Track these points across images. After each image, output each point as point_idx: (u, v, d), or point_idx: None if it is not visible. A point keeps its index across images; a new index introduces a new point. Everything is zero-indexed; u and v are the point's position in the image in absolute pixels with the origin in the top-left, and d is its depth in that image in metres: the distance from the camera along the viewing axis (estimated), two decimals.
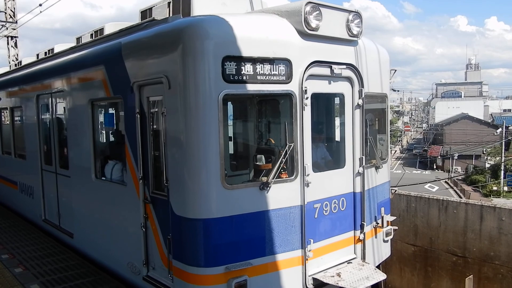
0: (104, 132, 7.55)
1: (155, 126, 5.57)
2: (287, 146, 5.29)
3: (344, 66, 5.86)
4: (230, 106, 6.39)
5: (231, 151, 6.63)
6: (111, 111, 7.33)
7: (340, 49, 5.87)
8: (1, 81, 11.96)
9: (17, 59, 21.42)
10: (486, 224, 8.59)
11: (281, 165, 5.24)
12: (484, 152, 58.16)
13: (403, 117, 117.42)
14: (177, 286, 5.21)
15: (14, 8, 23.38)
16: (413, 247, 9.63)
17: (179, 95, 4.97)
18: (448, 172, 55.95)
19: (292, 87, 5.32)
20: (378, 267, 6.53)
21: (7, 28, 23.20)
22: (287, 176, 5.36)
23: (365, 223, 6.15)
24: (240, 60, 4.93)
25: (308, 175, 5.44)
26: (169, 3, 6.78)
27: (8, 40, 23.59)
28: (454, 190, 46.46)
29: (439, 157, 65.50)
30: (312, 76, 5.54)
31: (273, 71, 5.18)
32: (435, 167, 65.35)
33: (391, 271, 9.79)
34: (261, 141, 6.22)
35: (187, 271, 5.03)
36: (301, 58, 5.38)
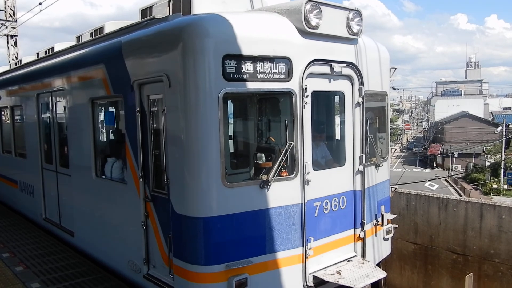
0: (104, 130, 7.55)
1: (155, 125, 5.58)
2: (287, 144, 5.30)
3: (344, 65, 5.86)
4: (230, 104, 6.41)
5: (231, 149, 6.64)
6: (111, 109, 7.33)
7: (340, 48, 5.87)
8: (1, 80, 11.97)
9: (17, 58, 21.43)
10: (486, 222, 8.61)
11: (281, 163, 5.24)
12: (484, 150, 58.18)
13: (403, 116, 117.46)
14: (177, 284, 5.22)
15: (14, 6, 23.36)
16: (413, 245, 9.65)
17: (180, 94, 4.98)
18: (448, 170, 55.95)
19: (292, 85, 5.32)
20: (378, 265, 6.54)
21: (6, 27, 23.19)
22: (287, 174, 5.37)
23: (365, 221, 6.16)
24: (240, 58, 4.94)
25: (308, 173, 5.45)
26: (169, 1, 6.77)
27: (8, 39, 23.58)
28: (454, 188, 46.47)
29: (439, 155, 65.49)
30: (312, 75, 5.54)
31: (273, 69, 5.18)
32: (435, 165, 65.37)
33: (391, 269, 9.81)
34: (261, 140, 6.22)
35: (187, 269, 5.04)
36: (301, 57, 5.38)
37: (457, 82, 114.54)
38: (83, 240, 7.72)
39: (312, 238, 5.53)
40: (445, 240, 9.20)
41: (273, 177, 5.15)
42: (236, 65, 4.92)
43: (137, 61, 5.78)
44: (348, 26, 5.84)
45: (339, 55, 5.84)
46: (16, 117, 10.86)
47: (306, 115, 5.47)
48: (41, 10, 16.92)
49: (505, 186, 42.41)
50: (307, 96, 5.44)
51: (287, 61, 5.27)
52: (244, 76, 4.98)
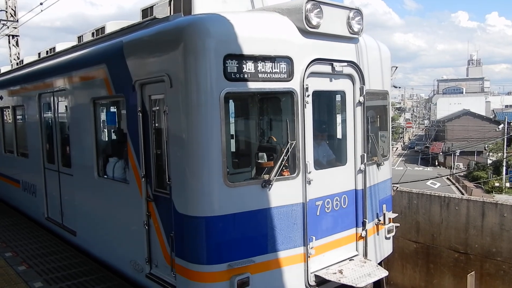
0: (106, 130, 7.57)
1: (157, 124, 5.59)
2: (289, 144, 5.30)
3: (345, 64, 5.86)
4: (232, 104, 6.42)
5: (233, 149, 6.66)
6: (113, 109, 7.34)
7: (341, 47, 5.88)
8: (3, 80, 12.00)
9: (18, 58, 21.46)
10: (488, 221, 8.61)
11: (283, 162, 5.25)
12: (486, 148, 58.05)
13: (404, 114, 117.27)
14: (179, 283, 5.24)
15: (15, 6, 23.39)
16: (415, 244, 9.66)
17: (181, 94, 4.99)
18: (450, 168, 55.86)
19: (294, 84, 5.32)
20: (380, 264, 6.55)
21: (8, 27, 23.22)
22: (289, 173, 5.38)
23: (366, 220, 6.17)
24: (241, 58, 4.94)
25: (309, 172, 5.46)
26: (170, 1, 6.78)
27: (9, 39, 23.62)
28: (456, 187, 46.40)
29: (441, 153, 65.36)
30: (314, 74, 5.54)
31: (275, 69, 5.19)
32: (437, 163, 65.25)
33: (393, 267, 9.82)
34: (263, 139, 6.23)
35: (189, 269, 5.06)
36: (302, 56, 5.39)
37: (459, 80, 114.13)
38: (85, 239, 7.74)
39: (314, 237, 5.53)
40: (447, 238, 9.20)
41: (274, 176, 5.16)
42: (237, 65, 4.93)
43: (138, 61, 5.80)
44: (349, 25, 5.84)
45: (340, 54, 5.85)
46: (18, 117, 10.89)
47: (308, 114, 5.48)
48: (42, 10, 16.94)
49: (507, 184, 42.32)
50: (308, 96, 5.44)
51: (288, 60, 5.28)
52: (245, 76, 4.99)
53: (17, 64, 13.77)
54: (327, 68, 5.70)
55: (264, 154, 5.48)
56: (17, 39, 23.91)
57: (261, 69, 5.09)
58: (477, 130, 61.49)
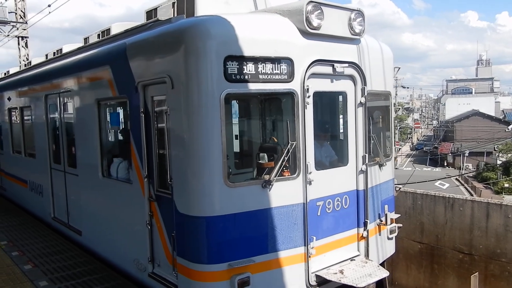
0: (110, 131, 7.66)
1: (159, 125, 5.66)
2: (289, 144, 5.34)
3: (347, 65, 5.87)
4: (235, 105, 6.47)
5: (236, 149, 6.70)
6: (117, 110, 7.43)
7: (343, 48, 5.89)
8: (11, 81, 12.18)
9: (27, 59, 21.74)
10: (492, 222, 8.57)
11: (283, 163, 5.28)
12: (496, 149, 57.46)
13: (413, 114, 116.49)
14: (181, 283, 5.29)
15: (24, 8, 23.69)
16: (419, 245, 9.63)
17: (182, 95, 5.05)
18: (459, 169, 55.38)
19: (294, 85, 5.35)
20: (382, 264, 6.56)
21: (17, 29, 23.52)
22: (289, 174, 5.41)
23: (368, 221, 6.17)
24: (242, 59, 4.99)
25: (310, 173, 5.48)
26: (173, 3, 6.85)
27: (18, 40, 23.93)
28: (465, 187, 45.97)
29: (450, 154, 64.83)
30: (314, 75, 5.57)
31: (275, 70, 5.22)
32: (445, 164, 64.73)
33: (398, 268, 9.80)
34: (264, 140, 6.27)
35: (190, 268, 5.11)
36: (303, 57, 5.42)
37: (468, 80, 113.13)
38: (90, 239, 7.84)
39: (315, 237, 5.56)
40: (451, 239, 9.17)
41: (275, 177, 5.20)
42: (237, 66, 4.98)
43: (141, 63, 5.87)
44: (350, 26, 5.85)
45: (341, 55, 5.86)
46: (26, 118, 11.04)
47: (308, 115, 5.50)
48: (50, 12, 17.13)
49: None
50: (309, 96, 5.46)
51: (289, 61, 5.31)
52: (246, 77, 5.03)
53: (25, 65, 13.96)
54: (328, 69, 5.73)
55: (265, 154, 5.51)
56: (26, 40, 24.20)
57: (261, 70, 5.12)
58: (486, 131, 60.89)
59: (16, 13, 23.28)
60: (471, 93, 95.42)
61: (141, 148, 5.84)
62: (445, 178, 43.81)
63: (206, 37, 4.94)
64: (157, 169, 5.72)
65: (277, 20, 5.48)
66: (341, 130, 6.49)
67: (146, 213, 5.87)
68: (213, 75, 4.91)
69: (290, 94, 5.37)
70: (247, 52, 5.02)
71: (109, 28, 8.31)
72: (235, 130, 6.43)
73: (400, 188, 7.88)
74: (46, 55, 11.28)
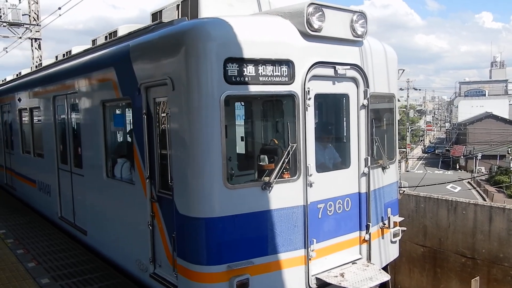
0: (114, 132, 7.74)
1: (161, 127, 5.70)
2: (290, 146, 5.33)
3: (348, 67, 5.85)
4: (241, 107, 6.49)
5: (239, 150, 6.72)
6: (120, 112, 7.51)
7: (345, 50, 5.87)
8: (21, 82, 12.38)
9: (40, 60, 22.09)
10: (495, 225, 8.51)
11: (284, 165, 5.28)
12: (509, 152, 56.53)
13: (425, 116, 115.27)
14: (181, 283, 5.31)
15: (37, 11, 24.07)
16: (422, 248, 9.57)
17: (183, 96, 5.08)
18: (472, 172, 54.63)
19: (295, 87, 5.35)
20: (385, 268, 6.50)
21: (31, 31, 23.91)
22: (290, 176, 5.40)
23: (370, 224, 6.12)
24: (242, 61, 5.00)
25: (311, 175, 5.46)
26: (178, 5, 6.91)
27: (32, 42, 24.33)
28: (477, 191, 45.34)
29: (462, 157, 64.00)
30: (316, 77, 5.55)
31: (276, 72, 5.22)
32: (458, 167, 63.94)
33: (400, 271, 9.73)
34: (265, 142, 6.27)
35: (190, 269, 5.13)
36: (303, 59, 5.40)
37: (481, 82, 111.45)
38: (95, 239, 7.93)
39: (315, 240, 5.53)
40: (454, 243, 9.12)
41: (275, 179, 5.19)
42: (238, 68, 4.99)
43: (143, 65, 5.92)
44: (352, 28, 5.83)
45: (343, 57, 5.84)
46: (35, 119, 11.22)
47: (309, 117, 5.48)
48: (60, 15, 17.39)
49: None
50: (309, 99, 5.45)
51: (289, 63, 5.30)
52: (246, 79, 5.04)
53: (36, 67, 14.20)
54: (329, 71, 5.70)
55: (266, 156, 5.51)
56: (39, 42, 24.60)
57: (262, 72, 5.13)
58: (499, 133, 59.99)
59: (29, 15, 23.67)
60: (485, 95, 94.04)
61: (143, 149, 5.89)
62: (457, 181, 43.27)
63: (206, 39, 4.96)
64: (159, 170, 5.76)
65: (278, 22, 5.49)
66: (344, 132, 6.45)
67: (148, 214, 5.91)
68: (213, 77, 4.93)
69: (291, 96, 5.37)
70: (247, 54, 5.03)
71: (116, 30, 8.42)
72: (239, 131, 6.44)
73: (404, 191, 7.81)
74: (56, 57, 11.45)
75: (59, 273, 7.10)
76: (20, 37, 24.06)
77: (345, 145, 6.24)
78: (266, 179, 5.24)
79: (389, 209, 6.52)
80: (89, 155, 7.85)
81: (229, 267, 4.97)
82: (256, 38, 5.20)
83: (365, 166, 6.09)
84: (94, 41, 9.38)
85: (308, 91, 5.42)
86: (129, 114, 6.58)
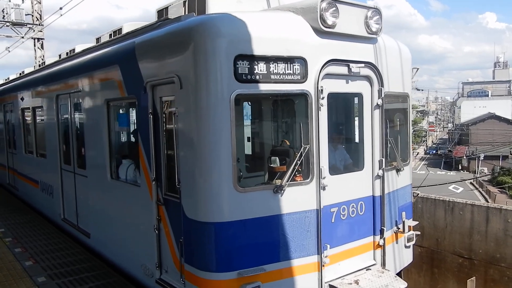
0: (119, 132, 7.53)
1: (167, 127, 5.48)
2: (302, 147, 5.10)
3: (363, 65, 5.62)
4: (247, 106, 6.27)
5: (247, 151, 6.50)
6: (125, 111, 7.30)
7: (359, 47, 5.64)
8: (24, 81, 12.21)
9: (43, 60, 21.95)
10: (492, 226, 8.51)
11: (296, 167, 5.05)
12: None
13: (428, 117, 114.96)
14: None
15: (40, 11, 23.95)
16: (419, 248, 9.52)
17: (191, 95, 4.86)
18: (474, 173, 54.38)
19: (307, 86, 5.12)
20: (399, 274, 6.27)
21: (33, 31, 23.79)
22: (302, 179, 5.18)
23: (385, 228, 5.89)
24: (253, 59, 4.78)
25: (324, 178, 5.24)
26: (184, 2, 6.69)
27: (34, 42, 24.22)
28: (479, 192, 45.10)
29: (465, 157, 63.78)
30: (329, 75, 5.33)
31: (288, 70, 5.00)
32: (460, 168, 63.69)
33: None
34: (276, 143, 6.05)
35: (198, 276, 4.91)
36: (316, 57, 5.18)
37: (484, 82, 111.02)
38: (98, 241, 7.72)
39: (329, 246, 5.31)
40: (451, 243, 9.10)
41: (287, 181, 4.97)
42: (248, 66, 4.78)
43: (149, 62, 5.71)
44: (367, 25, 5.60)
45: (357, 55, 5.61)
46: (38, 118, 11.03)
47: (322, 117, 5.26)
48: (61, 15, 17.28)
49: None
50: (323, 98, 5.22)
51: (302, 61, 5.08)
52: (257, 77, 4.83)
53: (39, 65, 14.02)
54: (343, 70, 5.48)
55: (277, 158, 5.30)
56: (42, 42, 24.48)
57: (273, 70, 4.91)
58: (502, 134, 59.78)
59: (32, 15, 23.55)
60: (488, 95, 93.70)
61: (149, 150, 5.67)
62: (459, 181, 43.04)
63: (216, 35, 4.74)
64: (166, 172, 5.55)
65: (290, 18, 5.27)
66: (357, 133, 6.22)
67: (154, 217, 5.69)
68: (222, 74, 4.72)
69: (303, 95, 5.15)
70: (258, 51, 4.81)
71: (121, 28, 8.21)
72: (247, 132, 6.22)
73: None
74: (60, 55, 11.26)
75: (56, 271, 7.09)
76: (23, 37, 23.97)
77: (358, 146, 6.02)
78: (278, 182, 5.02)
79: (403, 213, 6.29)
80: (93, 156, 7.64)
81: (240, 274, 4.75)
82: (267, 34, 4.98)
83: (380, 168, 5.86)
84: (98, 39, 9.18)
85: (321, 90, 5.20)
86: (134, 114, 6.35)
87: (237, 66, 4.71)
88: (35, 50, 24.45)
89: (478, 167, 56.45)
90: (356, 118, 6.24)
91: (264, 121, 6.21)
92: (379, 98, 5.83)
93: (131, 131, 6.98)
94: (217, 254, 4.80)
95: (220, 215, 4.78)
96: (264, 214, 4.92)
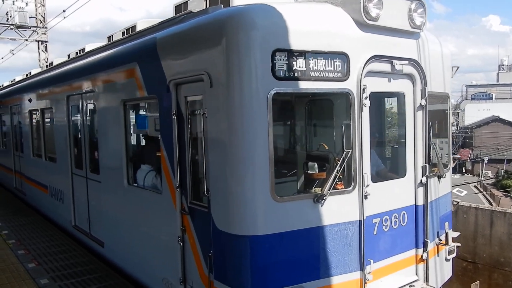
0: (137, 135, 7.06)
1: (194, 129, 5.00)
2: (345, 152, 4.62)
3: (406, 62, 5.14)
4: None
5: (277, 155, 6.00)
6: (145, 112, 6.82)
7: (402, 42, 5.17)
8: (32, 82, 11.80)
9: (47, 62, 21.61)
10: (496, 230, 8.31)
11: (338, 174, 4.57)
12: None
13: None
14: None
15: (44, 13, 23.70)
16: None
17: (222, 94, 4.39)
18: (478, 176, 53.81)
19: (350, 85, 4.65)
20: None
21: (37, 33, 23.51)
22: (343, 187, 4.69)
23: (428, 240, 5.40)
24: (291, 54, 4.32)
25: (367, 186, 4.76)
26: None
27: (38, 44, 23.96)
28: (484, 195, 44.55)
29: (469, 160, 63.24)
30: (371, 73, 4.85)
31: (328, 66, 4.53)
32: (464, 171, 63.09)
33: None
34: (311, 146, 5.56)
35: None
36: (359, 52, 4.71)
37: (488, 85, 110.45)
38: (113, 251, 7.23)
39: (372, 261, 4.82)
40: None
41: (328, 190, 4.48)
42: (287, 62, 4.31)
43: (173, 59, 5.24)
44: (410, 18, 5.13)
45: (400, 51, 5.13)
46: (47, 120, 10.59)
47: (365, 119, 4.78)
48: (64, 17, 17.08)
49: None
50: (366, 98, 4.75)
51: (344, 57, 4.61)
52: (296, 74, 4.36)
53: (47, 66, 13.61)
54: (386, 67, 5.00)
55: (315, 164, 4.82)
56: (46, 44, 24.21)
57: (313, 67, 4.44)
58: (506, 137, 59.28)
59: (36, 18, 23.28)
60: (491, 98, 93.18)
61: (173, 154, 5.20)
62: (463, 184, 42.42)
63: (251, 28, 4.28)
64: (191, 179, 5.06)
65: (329, 10, 4.80)
66: (397, 137, 5.74)
67: (178, 227, 5.21)
68: (258, 72, 4.26)
69: (345, 95, 4.67)
70: (297, 46, 4.35)
71: (135, 25, 7.78)
72: (277, 134, 5.74)
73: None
74: (68, 55, 10.84)
75: (58, 273, 7.10)
76: (27, 40, 23.74)
77: (400, 151, 5.53)
78: (318, 190, 4.54)
79: (446, 223, 5.80)
80: (108, 160, 7.16)
81: None
82: (306, 27, 4.51)
83: (423, 175, 5.36)
84: (110, 38, 8.75)
85: (364, 89, 4.73)
86: (155, 115, 5.86)
87: (275, 61, 4.25)
88: (39, 53, 24.23)
89: (482, 170, 55.90)
90: (396, 121, 5.77)
91: (298, 121, 5.72)
92: (422, 98, 5.35)
93: (151, 133, 6.50)
94: (252, 270, 4.31)
95: (256, 228, 4.30)
96: (304, 226, 4.44)
